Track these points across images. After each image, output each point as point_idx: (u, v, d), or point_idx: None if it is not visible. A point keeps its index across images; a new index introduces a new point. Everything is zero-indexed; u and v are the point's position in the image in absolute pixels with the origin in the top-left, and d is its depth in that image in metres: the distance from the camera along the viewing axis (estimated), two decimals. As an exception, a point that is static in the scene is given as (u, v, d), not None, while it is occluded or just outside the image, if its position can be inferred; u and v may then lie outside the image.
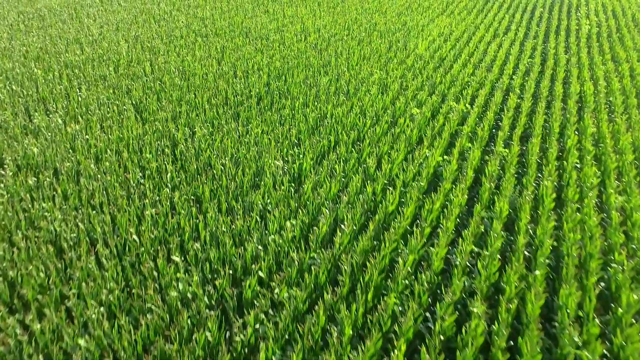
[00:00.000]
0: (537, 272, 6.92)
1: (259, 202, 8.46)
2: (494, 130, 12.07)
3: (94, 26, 19.73)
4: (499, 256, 7.55)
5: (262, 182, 9.01)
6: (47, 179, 8.99)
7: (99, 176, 9.16)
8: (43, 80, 13.75)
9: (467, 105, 12.80)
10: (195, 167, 9.41)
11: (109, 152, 9.86)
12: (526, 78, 15.39)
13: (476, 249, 7.72)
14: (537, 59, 16.70)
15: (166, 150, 10.06)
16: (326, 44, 17.52)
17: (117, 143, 10.31)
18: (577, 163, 10.33)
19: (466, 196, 8.72)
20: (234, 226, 7.85)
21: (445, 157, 10.09)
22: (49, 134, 10.80)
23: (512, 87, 14.25)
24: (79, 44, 17.36)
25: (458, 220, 8.43)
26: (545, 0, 27.45)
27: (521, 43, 19.54)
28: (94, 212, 8.17)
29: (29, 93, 12.84)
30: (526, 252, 7.64)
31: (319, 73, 14.73)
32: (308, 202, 8.47)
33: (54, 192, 8.75)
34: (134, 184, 9.01)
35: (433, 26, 20.64)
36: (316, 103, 12.41)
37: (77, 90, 13.25)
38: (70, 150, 10.08)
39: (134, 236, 7.59)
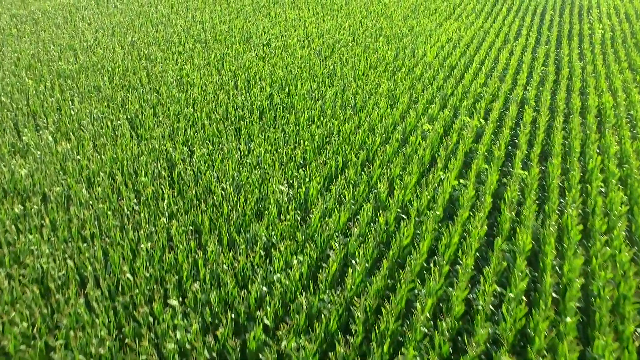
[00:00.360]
0: (568, 320, 6.38)
1: (263, 234, 7.91)
2: (510, 148, 11.51)
3: (89, 31, 19.14)
4: (524, 297, 7.00)
5: (266, 211, 8.46)
6: (35, 206, 8.44)
7: (90, 202, 8.61)
8: (34, 92, 13.18)
9: (480, 120, 12.23)
10: (194, 192, 8.86)
11: (101, 174, 9.30)
12: (541, 88, 14.82)
13: (499, 289, 7.18)
14: (551, 67, 16.13)
15: (163, 172, 9.50)
16: (330, 50, 16.94)
17: (111, 164, 9.75)
18: (601, 187, 9.78)
19: (485, 227, 8.16)
20: (236, 263, 7.30)
21: (461, 181, 9.53)
22: (39, 152, 10.24)
23: (526, 99, 13.68)
24: (72, 51, 16.78)
25: (477, 254, 7.89)
26: (555, 3, 26.85)
27: (533, 49, 18.97)
28: (85, 244, 7.62)
29: (19, 106, 12.27)
30: (554, 294, 7.09)
31: (324, 84, 14.16)
32: (316, 234, 7.92)
33: (42, 222, 8.20)
34: (128, 212, 8.46)
35: (441, 31, 20.06)
36: (322, 118, 11.85)
37: (70, 102, 12.68)
38: (60, 172, 9.52)
39: (128, 275, 7.04)
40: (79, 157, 10.00)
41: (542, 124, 11.95)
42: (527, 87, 14.77)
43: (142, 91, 13.17)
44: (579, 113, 12.96)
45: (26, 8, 22.98)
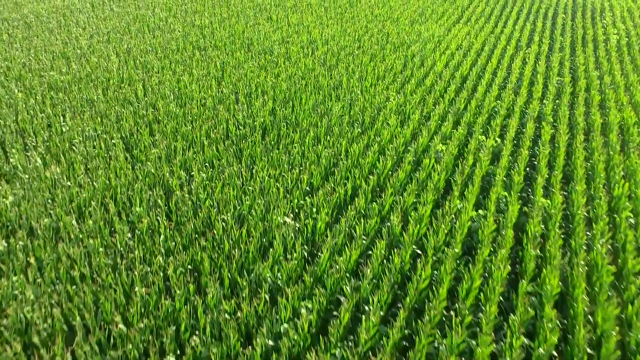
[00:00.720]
0: (607, 383, 5.82)
1: (268, 276, 7.35)
2: (529, 170, 10.94)
3: (83, 36, 18.52)
4: (554, 353, 6.45)
5: (271, 248, 7.89)
6: (21, 241, 7.87)
7: (80, 237, 8.04)
8: (24, 106, 12.59)
9: (496, 139, 11.65)
10: (192, 225, 8.29)
11: (93, 204, 8.73)
12: (557, 101, 14.23)
13: (527, 341, 6.62)
14: (567, 78, 15.53)
15: (159, 201, 8.93)
16: (336, 59, 16.34)
17: (103, 192, 9.17)
18: (630, 217, 9.21)
19: (508, 266, 7.60)
20: (239, 312, 6.74)
21: (479, 211, 8.96)
22: (27, 176, 9.67)
23: (543, 115, 13.09)
24: (65, 59, 16.17)
25: (501, 298, 7.33)
26: (566, 5, 26.21)
27: (547, 57, 18.36)
28: (74, 287, 7.06)
29: (7, 123, 11.68)
30: (588, 349, 6.54)
31: (329, 97, 13.57)
32: (325, 276, 7.36)
33: (28, 260, 7.63)
34: (121, 248, 7.89)
35: (450, 37, 19.44)
36: (328, 137, 11.26)
37: (61, 118, 12.10)
38: (49, 201, 8.95)
39: (120, 325, 6.48)
40: (69, 183, 9.42)
41: (561, 143, 11.37)
42: (544, 101, 14.17)
43: (138, 106, 12.58)
44: (600, 131, 12.37)
45: (19, 11, 22.34)
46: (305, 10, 22.76)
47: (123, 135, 11.27)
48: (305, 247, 8.11)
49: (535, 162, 11.06)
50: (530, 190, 10.15)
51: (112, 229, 8.50)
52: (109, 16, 21.34)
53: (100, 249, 7.75)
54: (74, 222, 8.37)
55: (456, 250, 7.81)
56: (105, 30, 19.31)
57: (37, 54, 16.37)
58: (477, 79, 15.69)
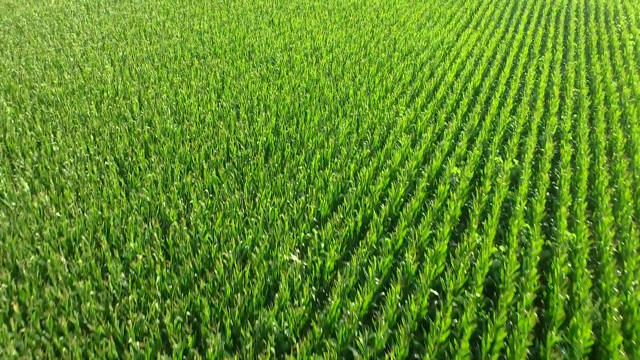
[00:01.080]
0: None
1: (274, 325, 6.80)
2: (550, 196, 10.38)
3: (77, 43, 17.92)
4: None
5: (276, 293, 7.34)
6: (4, 284, 7.32)
7: (69, 277, 7.49)
8: (12, 122, 12.03)
9: (514, 160, 11.09)
10: (191, 264, 7.74)
11: (84, 239, 8.17)
12: (575, 116, 13.65)
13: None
14: (584, 90, 14.94)
15: (155, 235, 8.37)
16: (341, 68, 15.74)
17: (95, 224, 8.61)
18: (662, 253, 8.65)
19: (535, 314, 7.05)
20: (242, 372, 6.21)
21: (500, 247, 8.41)
22: (13, 204, 9.11)
23: (562, 132, 12.52)
24: (58, 68, 15.58)
25: (528, 351, 6.78)
26: (578, 8, 25.57)
27: (561, 65, 17.76)
28: (62, 338, 6.52)
29: (-6, 142, 11.13)
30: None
31: (335, 112, 13.00)
32: (335, 324, 6.82)
33: (10, 307, 7.09)
34: (114, 291, 7.34)
35: (460, 43, 18.82)
36: (336, 159, 10.69)
37: (52, 136, 11.53)
38: (37, 234, 8.40)
39: (111, 386, 5.95)
40: (58, 213, 8.86)
41: (583, 165, 10.81)
42: (561, 116, 13.59)
43: (133, 122, 12.00)
44: (623, 151, 11.80)
45: (10, 14, 21.72)
46: (308, 14, 22.13)
47: (117, 156, 10.70)
48: (314, 287, 7.57)
49: (557, 187, 10.50)
50: (552, 219, 9.60)
51: (105, 266, 7.95)
52: (104, 20, 20.72)
53: (91, 292, 7.20)
54: (62, 259, 7.82)
55: (477, 295, 7.26)
56: (100, 35, 18.71)
57: (28, 62, 15.78)
58: (490, 91, 15.10)
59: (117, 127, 11.83)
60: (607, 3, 26.53)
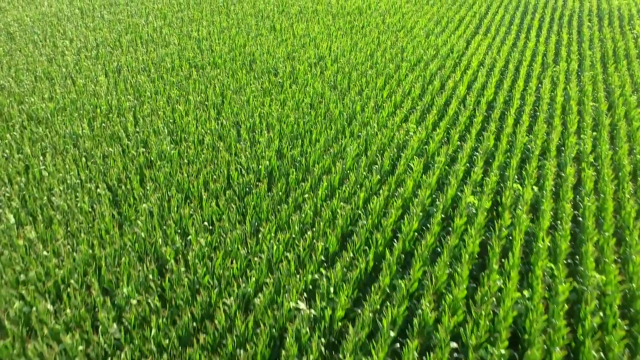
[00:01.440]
0: None
1: (280, 388, 6.27)
2: (573, 227, 9.83)
3: (70, 51, 17.34)
4: None
5: (283, 349, 6.80)
6: (-15, 337, 6.79)
7: (57, 328, 6.95)
8: (-1, 142, 11.48)
9: (533, 187, 10.53)
10: (189, 314, 7.19)
11: (73, 282, 7.63)
12: (595, 133, 13.08)
13: None
14: (603, 105, 14.37)
15: (150, 276, 7.83)
16: (347, 81, 15.16)
17: (85, 266, 8.07)
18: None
19: (567, 373, 6.53)
20: None
21: (524, 292, 7.87)
22: (-2, 239, 8.57)
23: (583, 154, 11.95)
24: (49, 80, 15.01)
25: (560, 417, 6.25)
26: (591, 12, 24.96)
27: (577, 76, 17.18)
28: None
29: (-21, 166, 10.57)
30: None
31: (342, 132, 12.44)
32: (348, 388, 6.29)
33: (-8, 365, 6.56)
34: (105, 345, 6.80)
35: (471, 51, 18.23)
36: (344, 187, 10.13)
37: (41, 158, 10.98)
38: (22, 276, 7.85)
39: None
40: (45, 252, 8.31)
41: (607, 192, 10.26)
42: (581, 135, 13.02)
43: (128, 143, 11.44)
44: (648, 175, 11.25)
45: (2, 19, 21.11)
46: (312, 19, 21.53)
47: (110, 183, 10.14)
48: (323, 339, 7.03)
49: (580, 218, 9.95)
50: (577, 256, 9.05)
51: (95, 313, 7.41)
52: (99, 25, 20.12)
53: (80, 347, 6.67)
54: (49, 306, 7.28)
55: (502, 351, 6.72)
56: (94, 42, 18.12)
57: (18, 73, 15.20)
58: (505, 105, 14.53)
59: (110, 148, 11.28)
60: (620, 6, 25.92)
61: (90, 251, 8.28)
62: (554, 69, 17.41)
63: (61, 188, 9.90)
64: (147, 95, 14.02)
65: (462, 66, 16.80)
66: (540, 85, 16.03)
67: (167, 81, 14.99)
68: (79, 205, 9.42)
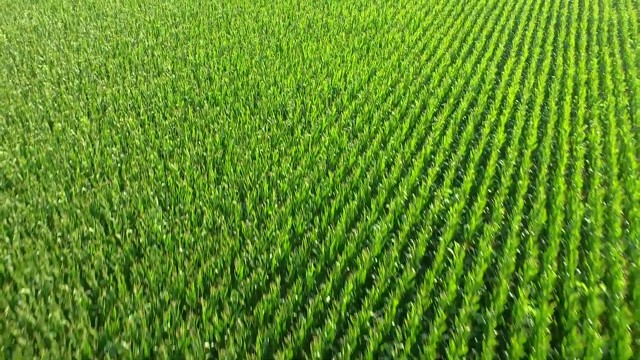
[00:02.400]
0: None
1: None
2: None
3: (49, 80, 15.72)
4: None
5: None
6: None
7: None
8: (-41, 217, 9.95)
9: (601, 286, 9.01)
10: None
11: None
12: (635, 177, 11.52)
13: None
14: (665, 157, 12.79)
15: None
16: (367, 126, 13.54)
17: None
18: None
19: None
20: None
21: None
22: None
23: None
24: (23, 123, 13.43)
25: None
26: (631, 23, 23.20)
27: (629, 115, 15.55)
28: None
29: None
30: None
31: (366, 203, 10.89)
32: None
33: None
34: None
35: (504, 80, 16.58)
36: (373, 287, 8.60)
37: (7, 241, 9.46)
38: None
39: None
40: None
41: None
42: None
43: (112, 220, 9.89)
44: None
45: (-27, 35, 19.42)
46: (322, 36, 19.84)
47: (90, 283, 8.61)
48: None
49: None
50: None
51: None
52: (83, 44, 18.43)
53: None
54: None
55: None
56: (76, 69, 16.47)
57: (-13, 114, 13.62)
58: (552, 160, 12.95)
59: (91, 228, 9.74)
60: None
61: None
62: (601, 104, 15.79)
63: (27, 292, 8.38)
64: (136, 144, 12.45)
65: (497, 102, 15.18)
66: (588, 129, 14.43)
67: (159, 124, 13.41)
68: (50, 318, 7.91)
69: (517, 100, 15.87)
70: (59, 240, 9.46)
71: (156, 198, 10.54)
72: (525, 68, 18.37)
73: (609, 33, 22.25)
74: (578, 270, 9.39)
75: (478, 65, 17.95)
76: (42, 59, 17.24)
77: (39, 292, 8.41)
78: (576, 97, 16.24)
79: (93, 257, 9.11)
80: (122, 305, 8.17)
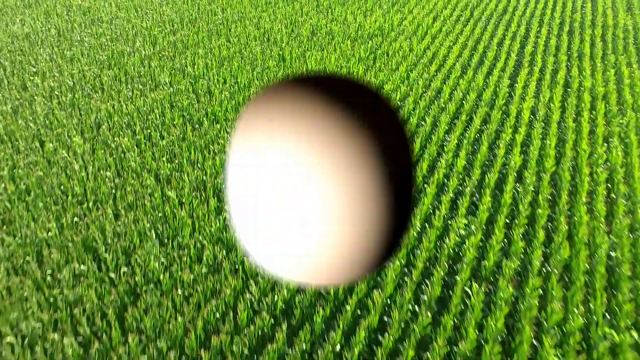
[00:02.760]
0: None
1: None
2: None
3: (41, 92, 15.17)
4: None
5: None
6: None
7: None
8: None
9: (632, 334, 8.50)
10: None
11: None
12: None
13: None
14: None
15: None
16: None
17: None
18: None
19: None
20: None
21: None
22: None
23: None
24: (12, 143, 12.90)
25: None
26: (626, 26, 22.62)
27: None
28: None
29: None
30: None
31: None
32: None
33: None
34: None
35: (518, 94, 16.03)
36: (386, 338, 8.09)
37: (-6, 280, 8.95)
38: None
39: None
40: None
41: None
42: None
43: (106, 257, 9.37)
44: None
45: (-38, 44, 18.85)
46: (326, 44, 19.27)
47: (82, 331, 8.10)
48: None
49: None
50: None
51: None
52: (77, 54, 17.87)
53: None
54: None
55: None
56: (69, 81, 15.93)
57: (-26, 133, 13.09)
58: (572, 182, 12.42)
59: (82, 266, 9.22)
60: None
61: None
62: (620, 121, 15.24)
63: (14, 340, 7.87)
64: (131, 168, 11.92)
65: (512, 119, 14.64)
66: (608, 149, 13.89)
67: (156, 145, 12.88)
68: (37, 372, 7.40)
69: (532, 116, 15.32)
70: (48, 279, 8.95)
71: (153, 231, 10.02)
72: (540, 80, 17.81)
73: (625, 40, 21.67)
74: (606, 314, 8.87)
75: (490, 77, 17.40)
76: (34, 70, 16.69)
77: (26, 341, 7.90)
78: (594, 112, 15.70)
79: (85, 298, 8.61)
80: (116, 358, 7.66)
